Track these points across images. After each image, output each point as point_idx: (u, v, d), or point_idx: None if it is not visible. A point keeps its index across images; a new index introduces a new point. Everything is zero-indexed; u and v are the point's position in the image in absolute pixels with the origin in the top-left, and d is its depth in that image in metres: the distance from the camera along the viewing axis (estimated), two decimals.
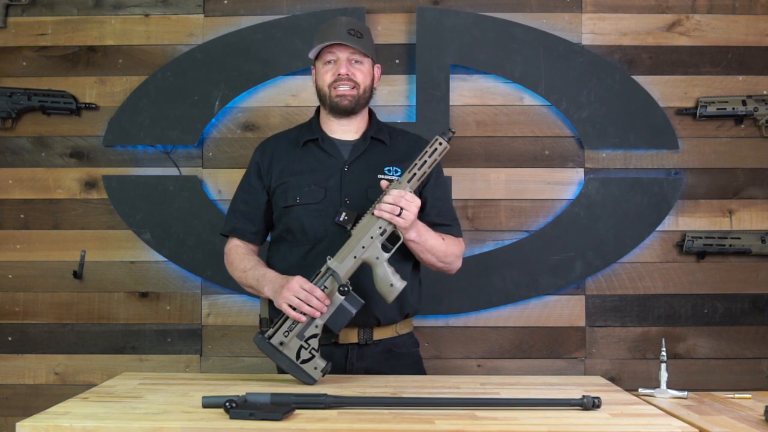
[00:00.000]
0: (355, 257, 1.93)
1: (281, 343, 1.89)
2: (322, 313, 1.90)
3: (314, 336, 1.90)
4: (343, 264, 1.91)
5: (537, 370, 2.76)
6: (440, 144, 1.95)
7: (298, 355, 1.89)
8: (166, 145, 2.77)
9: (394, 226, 1.94)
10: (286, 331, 1.89)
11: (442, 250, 2.11)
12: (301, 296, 1.89)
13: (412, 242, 2.03)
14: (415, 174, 1.95)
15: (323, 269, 1.92)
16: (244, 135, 2.78)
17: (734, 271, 2.77)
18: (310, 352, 1.89)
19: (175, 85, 2.75)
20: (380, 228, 1.94)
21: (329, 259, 1.92)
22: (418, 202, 1.95)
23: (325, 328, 1.94)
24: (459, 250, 2.20)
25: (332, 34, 2.12)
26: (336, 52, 2.14)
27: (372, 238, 1.93)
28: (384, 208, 1.92)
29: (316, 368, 1.89)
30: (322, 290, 1.89)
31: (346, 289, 1.88)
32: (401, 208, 1.92)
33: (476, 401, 1.65)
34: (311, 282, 1.91)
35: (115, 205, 2.75)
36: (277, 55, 2.75)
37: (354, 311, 1.92)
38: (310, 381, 1.89)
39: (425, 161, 1.95)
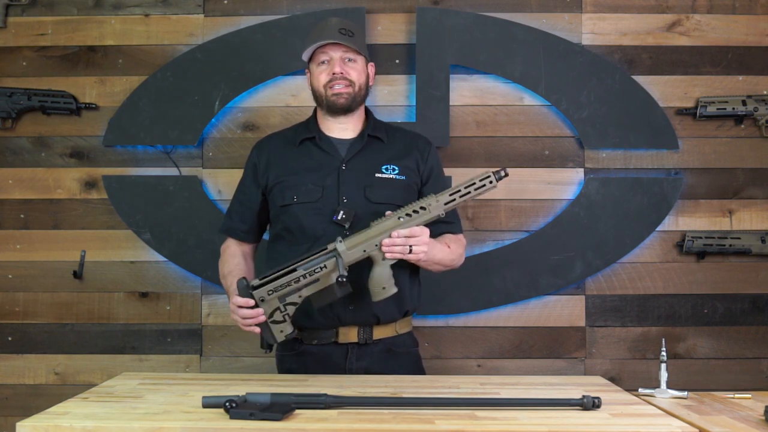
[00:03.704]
0: (364, 251, 1.94)
1: (262, 299, 1.92)
2: (260, 320, 1.95)
3: (293, 304, 1.94)
4: (350, 252, 1.93)
5: (537, 370, 2.76)
6: (490, 182, 1.95)
7: (271, 315, 1.94)
8: (166, 145, 2.77)
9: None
10: (271, 290, 1.92)
11: (448, 258, 2.15)
12: (239, 323, 1.97)
13: (421, 261, 2.05)
14: (454, 200, 1.95)
15: (330, 247, 1.93)
16: (244, 135, 2.78)
17: (734, 271, 2.77)
18: (283, 317, 1.94)
19: (175, 85, 2.75)
20: (396, 229, 1.94)
21: (340, 240, 1.93)
22: (427, 233, 1.96)
23: (326, 327, 1.95)
24: (462, 248, 2.23)
25: (324, 35, 2.13)
26: (329, 51, 2.15)
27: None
28: (395, 250, 1.94)
29: (282, 331, 1.95)
30: (322, 268, 1.91)
31: (343, 280, 1.89)
32: (411, 246, 1.94)
33: (476, 401, 1.65)
34: (309, 254, 1.93)
35: (115, 205, 2.75)
36: (277, 55, 2.75)
37: (339, 296, 1.95)
38: (272, 340, 1.96)
39: (469, 192, 1.95)
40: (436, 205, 1.95)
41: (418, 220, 1.95)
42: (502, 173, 1.96)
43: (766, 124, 2.75)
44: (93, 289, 2.79)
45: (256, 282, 1.93)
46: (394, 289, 2.00)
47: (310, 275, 1.92)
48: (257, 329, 1.96)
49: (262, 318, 1.94)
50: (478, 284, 2.73)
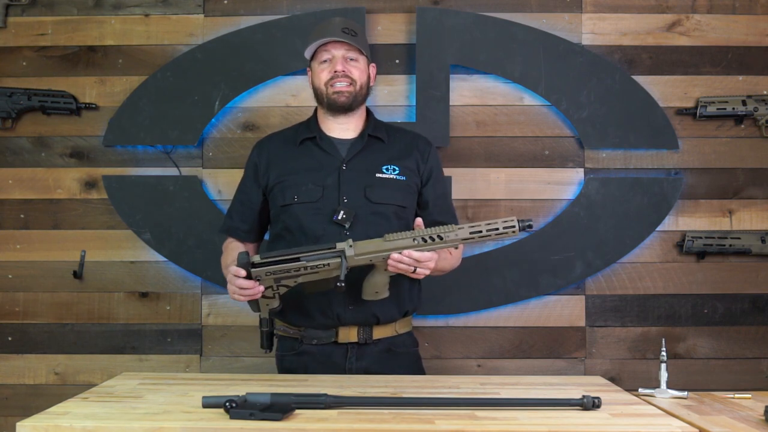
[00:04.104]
0: (370, 260, 1.94)
1: (258, 278, 1.95)
2: (258, 293, 1.97)
3: (286, 286, 1.97)
4: (357, 258, 1.93)
5: (537, 370, 2.76)
6: (513, 231, 1.91)
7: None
8: (166, 145, 2.77)
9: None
10: (269, 272, 1.94)
11: (449, 265, 2.18)
12: (236, 294, 1.98)
13: None
14: (473, 239, 1.92)
15: (339, 247, 1.92)
16: (244, 135, 2.78)
17: (734, 271, 2.77)
18: (274, 294, 1.98)
19: (175, 85, 2.75)
20: (407, 250, 1.93)
21: (350, 245, 1.92)
22: (435, 258, 1.97)
23: (326, 327, 1.94)
24: (460, 252, 2.24)
25: (327, 33, 2.14)
26: (331, 50, 2.15)
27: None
28: (400, 267, 1.94)
29: (268, 305, 2.00)
30: (324, 266, 1.92)
31: (341, 285, 1.90)
32: (415, 267, 1.95)
33: (476, 401, 1.65)
34: (316, 248, 1.94)
35: (115, 205, 2.75)
36: (277, 55, 2.75)
37: (330, 288, 1.96)
38: (256, 310, 2.01)
39: (489, 235, 1.92)
40: (453, 238, 1.92)
41: (432, 246, 1.94)
42: (527, 224, 1.91)
43: (766, 124, 2.74)
44: (93, 289, 2.79)
45: (257, 259, 1.95)
46: (386, 294, 2.02)
47: (311, 269, 1.93)
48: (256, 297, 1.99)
49: (260, 289, 1.96)
50: (478, 284, 2.72)
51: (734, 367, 2.77)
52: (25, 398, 2.77)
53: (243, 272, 1.94)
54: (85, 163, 2.79)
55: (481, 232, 1.92)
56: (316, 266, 1.93)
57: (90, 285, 2.79)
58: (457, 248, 2.02)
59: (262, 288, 1.96)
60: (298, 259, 1.93)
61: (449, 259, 2.15)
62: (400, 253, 1.92)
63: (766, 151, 2.77)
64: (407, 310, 2.18)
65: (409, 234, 1.93)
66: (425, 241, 1.93)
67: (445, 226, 1.94)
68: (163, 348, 2.78)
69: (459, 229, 1.93)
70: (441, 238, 1.93)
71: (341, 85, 2.14)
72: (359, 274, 2.00)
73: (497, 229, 1.92)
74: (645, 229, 2.74)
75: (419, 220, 1.98)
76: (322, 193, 2.12)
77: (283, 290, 1.98)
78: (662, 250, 2.77)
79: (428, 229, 1.94)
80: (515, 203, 2.77)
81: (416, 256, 1.93)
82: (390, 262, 1.93)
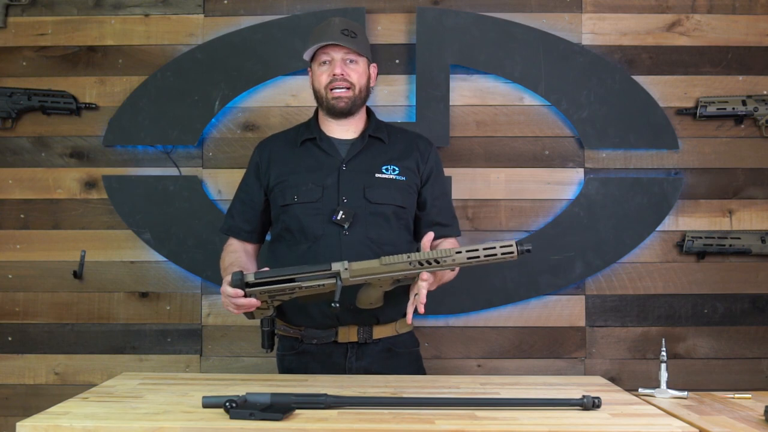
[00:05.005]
0: (366, 281, 1.93)
1: (252, 297, 1.94)
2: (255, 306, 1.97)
3: (281, 300, 1.98)
4: (353, 279, 1.91)
5: (537, 370, 2.76)
6: (511, 254, 1.87)
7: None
8: (166, 145, 2.77)
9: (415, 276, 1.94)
10: (264, 291, 1.93)
11: (453, 276, 2.16)
12: (230, 307, 1.96)
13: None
14: (470, 263, 1.89)
15: (334, 269, 1.90)
16: (244, 135, 2.78)
17: (734, 271, 2.77)
18: (268, 306, 1.99)
19: (175, 85, 2.75)
20: (403, 273, 1.92)
21: (345, 268, 1.90)
22: (430, 281, 1.94)
23: (326, 327, 1.93)
24: None
25: (326, 35, 2.13)
26: (330, 52, 2.15)
27: (391, 277, 1.93)
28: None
29: (262, 314, 2.01)
30: (319, 286, 1.91)
31: (335, 306, 1.89)
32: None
33: (476, 401, 1.65)
34: (311, 269, 1.92)
35: (115, 205, 2.75)
36: (277, 55, 2.75)
37: (324, 300, 1.96)
38: (250, 318, 2.02)
39: (487, 259, 1.88)
40: (450, 262, 1.90)
41: (429, 269, 1.92)
42: (525, 248, 1.86)
43: (766, 124, 2.75)
44: (93, 289, 2.79)
45: (251, 279, 1.93)
46: (381, 303, 2.01)
47: (306, 288, 1.92)
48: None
49: (256, 303, 1.95)
50: (478, 284, 2.72)
51: (734, 367, 2.77)
52: (25, 398, 2.77)
53: (241, 293, 1.92)
54: (85, 163, 2.79)
55: (478, 257, 1.88)
56: (311, 287, 1.92)
57: (90, 285, 2.79)
58: (452, 270, 2.00)
59: (257, 302, 1.94)
60: (293, 280, 1.92)
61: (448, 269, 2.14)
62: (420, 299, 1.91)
63: (766, 151, 2.77)
64: (407, 311, 2.17)
65: (405, 258, 1.90)
66: (421, 264, 1.90)
67: (442, 250, 1.91)
68: (163, 348, 2.78)
69: (456, 253, 1.89)
70: (437, 262, 1.90)
71: (340, 90, 2.13)
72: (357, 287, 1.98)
73: (495, 255, 1.88)
74: (645, 229, 2.74)
75: (425, 243, 1.95)
76: (322, 193, 2.13)
77: (277, 303, 1.98)
78: (662, 250, 2.77)
79: (425, 252, 1.91)
80: (515, 203, 2.77)
81: (424, 293, 1.91)
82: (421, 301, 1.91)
